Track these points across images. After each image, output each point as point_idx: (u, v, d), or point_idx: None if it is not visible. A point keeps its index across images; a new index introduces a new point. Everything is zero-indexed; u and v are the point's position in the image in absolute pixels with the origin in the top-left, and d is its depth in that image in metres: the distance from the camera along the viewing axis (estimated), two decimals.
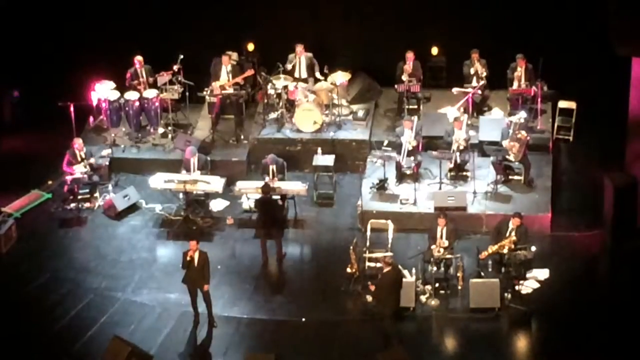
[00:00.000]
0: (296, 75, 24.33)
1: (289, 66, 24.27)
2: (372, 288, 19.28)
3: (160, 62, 24.20)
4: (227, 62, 23.97)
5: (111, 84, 24.36)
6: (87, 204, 22.77)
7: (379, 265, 20.25)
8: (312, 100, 23.71)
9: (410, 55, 23.95)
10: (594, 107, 23.84)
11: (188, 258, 19.39)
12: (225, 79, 23.88)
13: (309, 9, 25.27)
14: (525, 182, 22.39)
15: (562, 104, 23.98)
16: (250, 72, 24.11)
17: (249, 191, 22.30)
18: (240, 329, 19.64)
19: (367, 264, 20.48)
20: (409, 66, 23.93)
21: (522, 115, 22.49)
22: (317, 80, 24.31)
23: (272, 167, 22.35)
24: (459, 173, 22.62)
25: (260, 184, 21.86)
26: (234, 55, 24.78)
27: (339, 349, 19.15)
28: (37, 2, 25.53)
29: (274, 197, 21.48)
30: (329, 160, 22.98)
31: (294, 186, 22.25)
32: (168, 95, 24.08)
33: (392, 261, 19.06)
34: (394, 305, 19.06)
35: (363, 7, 25.22)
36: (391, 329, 19.08)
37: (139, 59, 24.17)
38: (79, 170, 22.59)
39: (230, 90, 23.84)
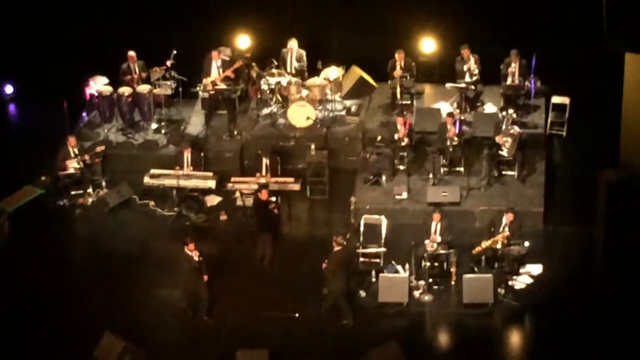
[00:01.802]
0: (288, 69, 24.28)
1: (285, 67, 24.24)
2: (324, 266, 19.52)
3: (154, 58, 24.15)
4: (217, 58, 23.85)
5: (104, 79, 24.29)
6: (80, 200, 22.76)
7: (372, 260, 20.32)
8: (306, 96, 23.67)
9: (400, 56, 23.81)
10: (587, 103, 23.83)
11: (186, 257, 19.41)
12: (215, 74, 23.81)
13: (303, 3, 25.23)
14: (519, 178, 22.39)
15: (556, 99, 23.94)
16: (239, 64, 23.97)
17: (243, 187, 22.31)
18: (234, 325, 19.62)
19: (361, 259, 20.47)
20: (400, 65, 23.83)
21: (513, 110, 22.52)
22: (301, 73, 24.26)
23: (265, 163, 22.36)
24: (452, 168, 22.61)
25: (253, 179, 21.88)
26: (227, 51, 24.71)
27: (332, 344, 19.16)
28: None
29: (270, 198, 21.38)
30: (322, 155, 22.97)
31: (288, 181, 22.24)
32: (161, 90, 24.01)
33: (343, 242, 19.38)
34: (340, 285, 19.30)
35: (357, 2, 25.18)
36: (345, 307, 19.40)
37: (131, 54, 24.09)
38: (73, 166, 22.58)
39: (223, 86, 23.78)
